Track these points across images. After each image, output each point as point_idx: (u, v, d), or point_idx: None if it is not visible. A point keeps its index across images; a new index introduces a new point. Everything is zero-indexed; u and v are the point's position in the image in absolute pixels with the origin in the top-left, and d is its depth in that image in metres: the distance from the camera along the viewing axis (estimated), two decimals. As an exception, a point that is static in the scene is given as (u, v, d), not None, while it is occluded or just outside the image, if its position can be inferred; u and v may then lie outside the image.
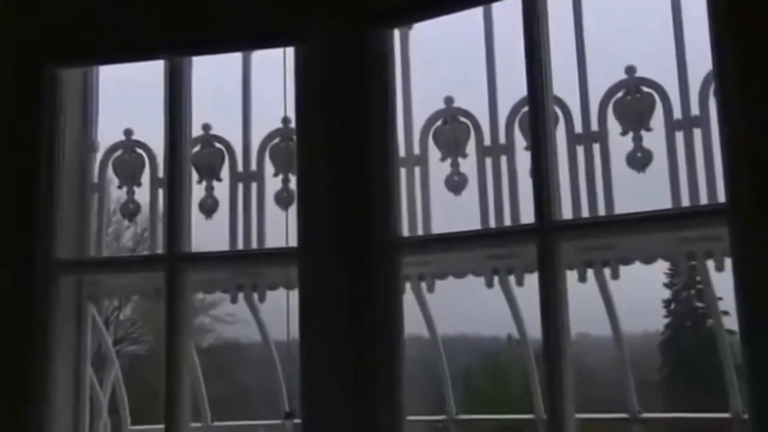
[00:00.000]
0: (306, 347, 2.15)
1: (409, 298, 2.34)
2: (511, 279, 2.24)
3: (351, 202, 2.19)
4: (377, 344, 2.12)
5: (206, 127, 2.57)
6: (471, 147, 2.33)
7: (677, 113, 2.15)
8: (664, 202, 2.17)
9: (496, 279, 2.25)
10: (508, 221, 2.23)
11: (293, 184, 2.41)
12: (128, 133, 2.61)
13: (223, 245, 2.48)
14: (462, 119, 2.36)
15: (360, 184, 2.20)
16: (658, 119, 2.19)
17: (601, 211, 2.13)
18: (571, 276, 2.20)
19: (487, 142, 2.30)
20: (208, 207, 2.53)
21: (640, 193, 2.22)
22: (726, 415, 2.23)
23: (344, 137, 2.23)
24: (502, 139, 2.27)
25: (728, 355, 2.21)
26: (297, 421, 2.25)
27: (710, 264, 2.08)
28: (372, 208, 2.18)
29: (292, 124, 2.42)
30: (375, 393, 2.08)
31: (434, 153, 2.37)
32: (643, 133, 2.17)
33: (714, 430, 2.60)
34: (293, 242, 2.27)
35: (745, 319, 1.65)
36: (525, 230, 2.09)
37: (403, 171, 2.34)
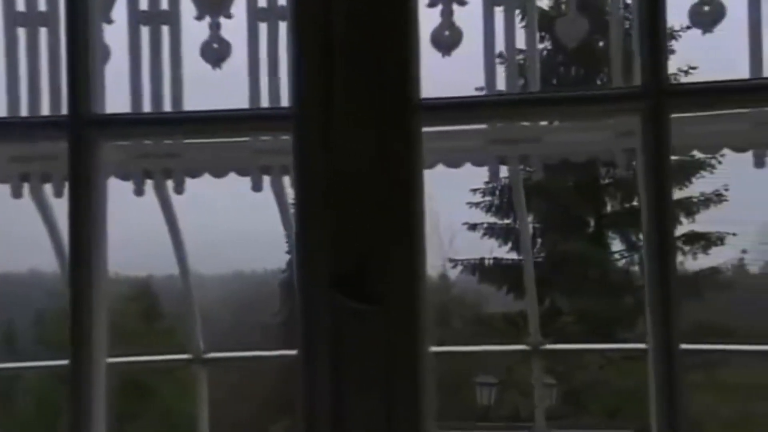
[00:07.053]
0: None
1: None
2: (48, 188, 2.05)
3: None
4: None
5: None
6: (-1, 12, 2.05)
7: (263, 1, 2.13)
8: (243, 104, 2.14)
9: (26, 187, 2.04)
10: (46, 111, 2.02)
11: None
12: None
13: None
14: (-12, -27, 2.06)
15: None
16: (240, 5, 2.15)
17: (168, 108, 2.04)
18: (127, 188, 2.09)
19: (22, 7, 2.04)
20: None
21: (216, 91, 2.17)
22: (292, 352, 2.33)
23: None
24: (41, 6, 2.03)
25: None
26: None
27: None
28: None
29: None
30: None
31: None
32: (222, 20, 2.11)
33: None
34: None
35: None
36: (56, 123, 1.89)
37: None
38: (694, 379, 7.66)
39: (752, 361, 5.92)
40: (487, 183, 9.88)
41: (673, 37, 8.96)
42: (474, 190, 10.17)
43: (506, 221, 10.23)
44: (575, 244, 9.79)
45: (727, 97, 1.36)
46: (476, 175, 2.44)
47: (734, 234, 9.92)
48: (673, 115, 1.30)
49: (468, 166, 2.18)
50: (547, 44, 9.65)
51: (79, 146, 1.80)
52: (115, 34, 2.04)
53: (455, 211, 9.85)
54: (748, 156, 2.09)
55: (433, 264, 9.82)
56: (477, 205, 10.38)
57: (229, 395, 7.12)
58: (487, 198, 10.42)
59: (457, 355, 5.41)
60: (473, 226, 10.29)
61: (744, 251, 10.07)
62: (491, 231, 10.37)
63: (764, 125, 2.03)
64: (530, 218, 10.06)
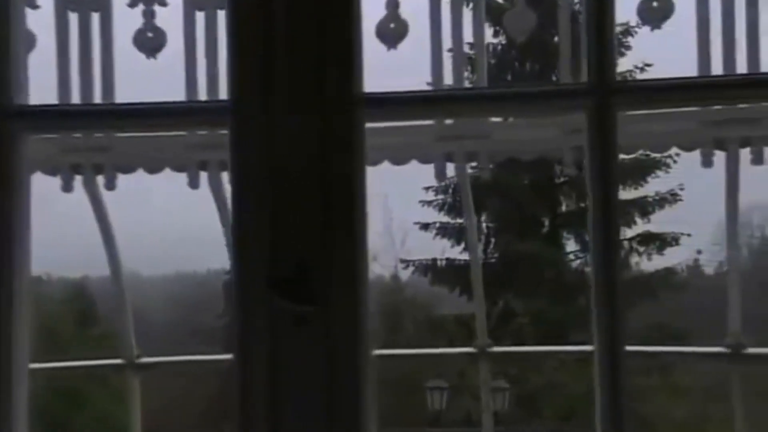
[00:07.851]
0: None
1: None
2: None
3: None
4: None
5: None
6: None
7: (199, -12, 2.10)
8: (179, 97, 2.11)
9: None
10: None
11: None
12: None
13: None
14: None
15: None
16: (176, -7, 2.12)
17: (98, 100, 2.00)
18: (54, 184, 2.04)
19: (-60, -10, 1.98)
20: None
21: (150, 82, 2.14)
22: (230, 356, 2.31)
23: None
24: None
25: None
26: None
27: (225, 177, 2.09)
28: None
29: None
30: None
31: None
32: (156, 7, 2.08)
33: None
34: None
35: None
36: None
37: None
38: (647, 381, 7.78)
39: (705, 362, 6.03)
40: (439, 181, 9.79)
41: (630, 34, 9.09)
42: (427, 188, 10.14)
43: (459, 221, 10.16)
44: (529, 244, 9.86)
45: (674, 95, 1.38)
46: (429, 173, 2.44)
47: (689, 234, 10.09)
48: (621, 113, 1.31)
49: (414, 163, 2.18)
50: (502, 39, 9.72)
51: (0, 139, 1.75)
52: (40, 20, 2.00)
53: (407, 210, 9.85)
54: (697, 155, 2.12)
55: (385, 264, 9.82)
56: (429, 203, 10.34)
57: (169, 401, 7.04)
58: (440, 196, 10.38)
59: (407, 359, 5.41)
60: (425, 226, 10.27)
61: (699, 252, 10.27)
62: (444, 231, 10.32)
63: (711, 124, 2.07)
64: (483, 218, 10.10)
